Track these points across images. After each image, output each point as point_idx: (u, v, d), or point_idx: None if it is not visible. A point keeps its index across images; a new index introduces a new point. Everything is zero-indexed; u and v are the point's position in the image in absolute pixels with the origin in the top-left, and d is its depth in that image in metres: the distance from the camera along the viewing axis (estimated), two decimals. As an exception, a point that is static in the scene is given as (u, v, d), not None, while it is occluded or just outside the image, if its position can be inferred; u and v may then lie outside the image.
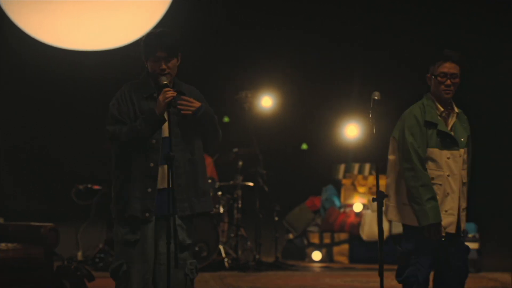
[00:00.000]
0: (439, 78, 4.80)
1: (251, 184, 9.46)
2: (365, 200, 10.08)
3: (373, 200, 4.41)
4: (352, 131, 11.37)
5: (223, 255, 8.96)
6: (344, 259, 9.84)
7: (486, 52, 11.85)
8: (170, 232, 4.23)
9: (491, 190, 11.61)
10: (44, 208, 9.80)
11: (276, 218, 9.53)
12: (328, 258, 9.88)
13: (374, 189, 10.06)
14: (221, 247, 8.95)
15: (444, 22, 11.97)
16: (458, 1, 12.05)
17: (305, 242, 10.13)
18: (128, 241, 4.36)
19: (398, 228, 9.66)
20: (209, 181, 7.68)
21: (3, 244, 6.39)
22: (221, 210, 9.06)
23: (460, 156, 4.83)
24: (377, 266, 4.41)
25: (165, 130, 4.43)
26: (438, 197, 4.73)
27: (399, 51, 12.18)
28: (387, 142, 4.90)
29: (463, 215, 4.84)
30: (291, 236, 10.30)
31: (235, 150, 9.47)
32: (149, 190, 4.36)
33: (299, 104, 12.70)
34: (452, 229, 4.75)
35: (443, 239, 4.73)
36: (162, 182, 4.37)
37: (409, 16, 12.17)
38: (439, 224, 4.68)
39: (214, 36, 12.68)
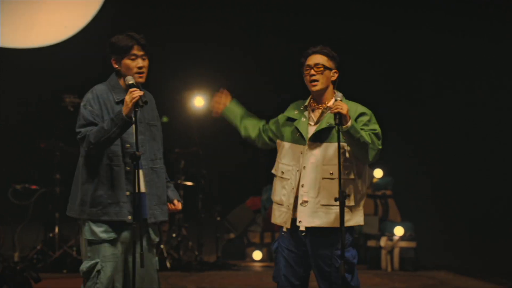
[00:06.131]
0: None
1: (189, 183, 9.48)
2: (305, 200, 10.15)
3: (335, 199, 4.48)
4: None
5: (165, 255, 8.94)
6: (284, 259, 9.90)
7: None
8: (143, 233, 4.34)
9: (427, 188, 11.93)
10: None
11: (218, 218, 9.56)
12: (268, 257, 9.94)
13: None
14: (162, 247, 8.93)
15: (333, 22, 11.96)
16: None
17: (246, 241, 10.18)
18: (105, 240, 4.40)
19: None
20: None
21: None
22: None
23: (311, 152, 4.59)
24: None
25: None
26: (286, 192, 4.62)
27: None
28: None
29: (319, 210, 4.56)
30: (231, 235, 10.33)
31: (177, 150, 9.46)
32: (127, 193, 4.41)
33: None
34: (288, 225, 4.62)
35: (282, 233, 4.68)
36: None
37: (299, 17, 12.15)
38: None
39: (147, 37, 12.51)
